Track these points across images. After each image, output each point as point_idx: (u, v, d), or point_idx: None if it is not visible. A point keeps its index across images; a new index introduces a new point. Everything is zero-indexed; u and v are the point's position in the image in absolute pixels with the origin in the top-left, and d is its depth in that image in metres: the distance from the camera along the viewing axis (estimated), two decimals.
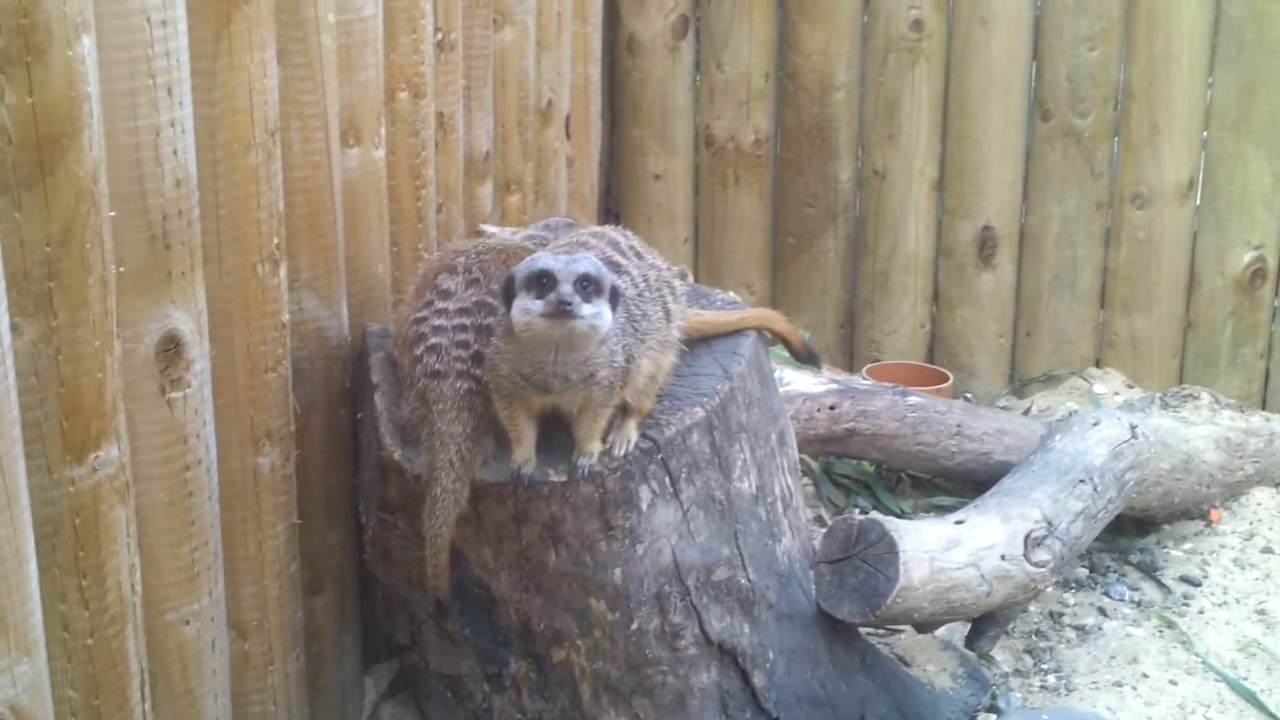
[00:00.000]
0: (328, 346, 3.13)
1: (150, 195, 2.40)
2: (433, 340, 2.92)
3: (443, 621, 3.12)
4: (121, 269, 2.35)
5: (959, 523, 3.44)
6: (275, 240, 2.80)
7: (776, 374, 3.95)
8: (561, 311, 2.67)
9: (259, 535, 2.90)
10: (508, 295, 2.74)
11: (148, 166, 2.39)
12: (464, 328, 2.92)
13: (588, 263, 2.73)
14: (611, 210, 5.72)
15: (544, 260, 2.71)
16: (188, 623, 2.65)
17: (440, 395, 2.88)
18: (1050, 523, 3.52)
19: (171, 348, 2.48)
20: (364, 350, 3.19)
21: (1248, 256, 5.23)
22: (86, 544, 2.27)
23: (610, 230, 3.09)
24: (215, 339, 2.65)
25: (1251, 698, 3.76)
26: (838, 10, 5.45)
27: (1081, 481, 3.71)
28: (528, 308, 2.70)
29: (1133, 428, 3.97)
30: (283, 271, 2.86)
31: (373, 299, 3.33)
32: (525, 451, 2.88)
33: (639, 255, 2.99)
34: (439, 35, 3.56)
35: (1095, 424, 3.93)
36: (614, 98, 5.71)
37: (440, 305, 2.95)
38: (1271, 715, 3.69)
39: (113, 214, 2.28)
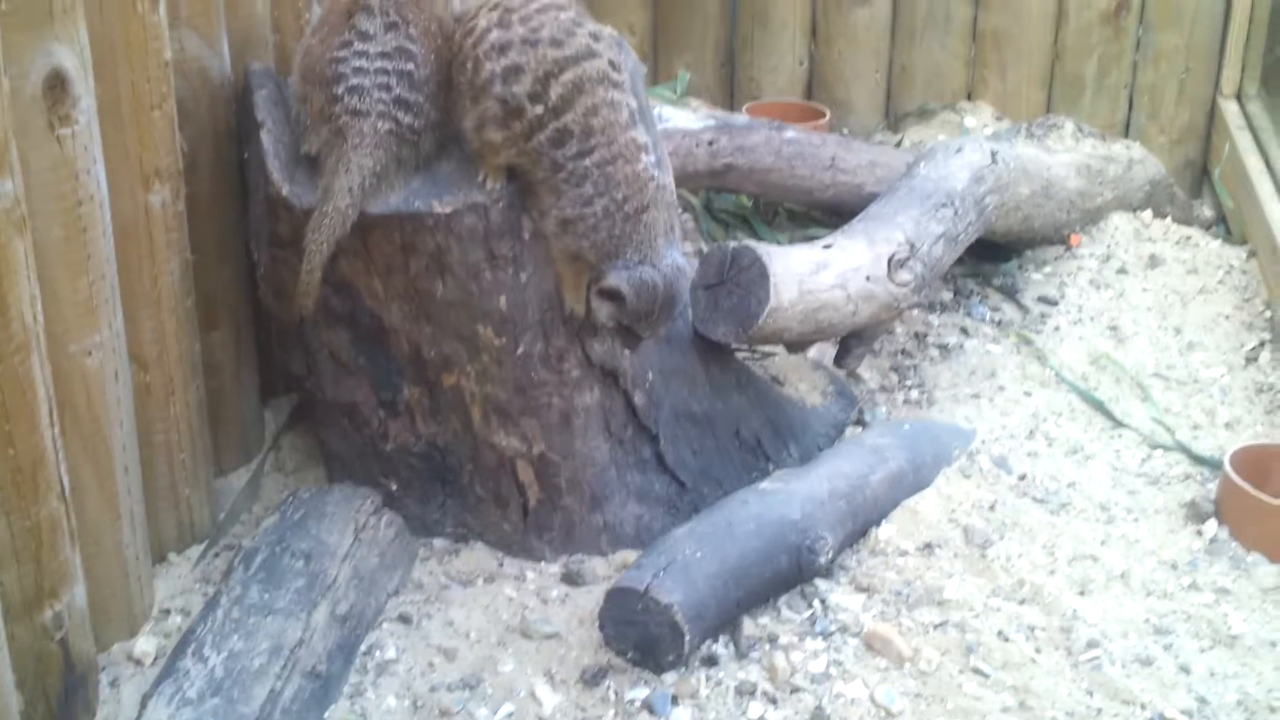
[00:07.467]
0: (211, 85, 3.18)
1: None
2: (354, 81, 3.00)
3: (335, 349, 3.24)
4: (4, 7, 2.38)
5: (827, 247, 3.60)
6: None
7: (655, 110, 4.04)
8: None
9: (154, 270, 2.99)
10: None
11: None
12: (385, 71, 3.01)
13: None
14: None
15: None
16: (90, 354, 2.76)
17: (360, 132, 2.98)
18: (913, 245, 3.69)
19: (58, 85, 2.53)
20: (247, 89, 3.23)
21: None
22: None
23: None
24: (100, 78, 2.69)
25: (1099, 406, 4.03)
26: None
27: (943, 205, 3.86)
28: None
29: (993, 154, 4.12)
30: (162, 9, 2.88)
31: (253, 38, 3.35)
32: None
33: None
34: None
35: (958, 151, 4.06)
36: None
37: (360, 47, 3.02)
38: (1116, 420, 3.97)
39: None
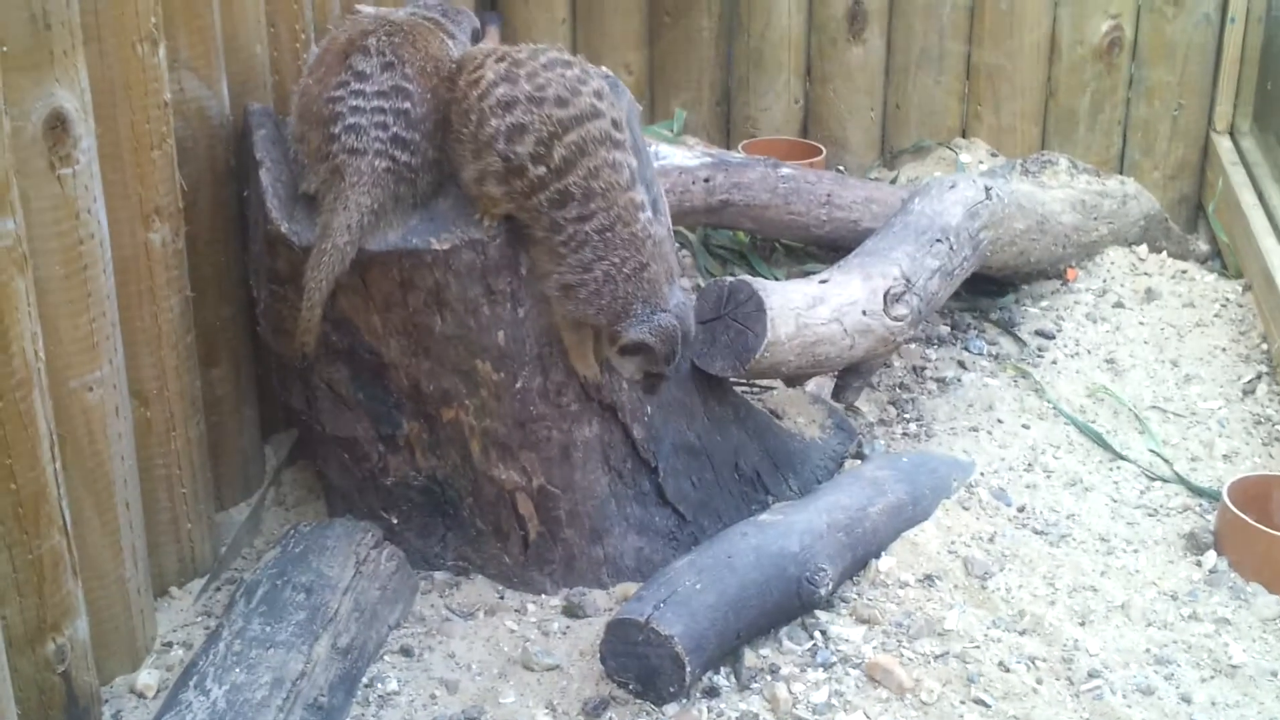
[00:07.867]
0: (210, 126, 3.21)
1: None
2: (351, 120, 3.03)
3: (334, 384, 3.26)
4: (4, 49, 2.41)
5: (823, 282, 3.62)
6: (152, 20, 2.86)
7: (651, 149, 4.08)
8: None
9: (154, 307, 3.02)
10: None
11: None
12: (382, 110, 3.04)
13: None
14: None
15: None
16: (91, 389, 2.77)
17: (357, 170, 3.01)
18: (908, 279, 3.71)
19: (58, 125, 2.55)
20: (246, 129, 3.26)
21: (1105, 25, 5.38)
22: None
23: None
24: (100, 118, 2.72)
25: (1097, 438, 4.04)
26: None
27: (938, 241, 3.88)
28: None
29: (987, 189, 4.14)
30: (161, 51, 2.91)
31: (252, 79, 3.38)
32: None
33: None
34: None
35: (952, 186, 4.09)
36: None
37: (356, 86, 3.05)
38: (1114, 452, 3.98)
39: None
